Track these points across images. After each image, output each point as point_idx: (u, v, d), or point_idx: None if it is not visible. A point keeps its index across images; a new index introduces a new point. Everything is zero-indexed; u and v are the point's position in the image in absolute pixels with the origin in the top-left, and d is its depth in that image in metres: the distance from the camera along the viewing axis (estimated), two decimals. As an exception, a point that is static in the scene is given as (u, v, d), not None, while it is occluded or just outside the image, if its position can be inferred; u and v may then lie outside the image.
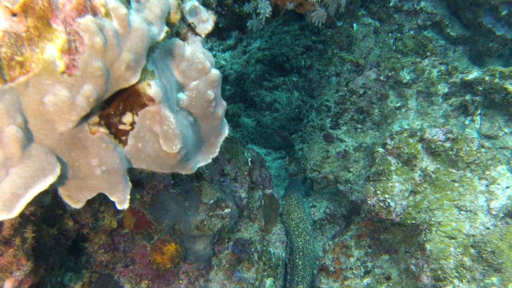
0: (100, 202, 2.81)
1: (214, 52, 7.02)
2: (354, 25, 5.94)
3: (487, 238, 3.61)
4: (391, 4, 5.97)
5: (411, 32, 5.90)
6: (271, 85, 6.15)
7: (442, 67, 4.99)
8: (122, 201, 1.64)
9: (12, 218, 1.62)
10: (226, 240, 3.44)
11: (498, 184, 3.83)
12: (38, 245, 2.11)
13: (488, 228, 3.69)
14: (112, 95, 1.58)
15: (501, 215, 3.71)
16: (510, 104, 4.52)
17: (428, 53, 5.61)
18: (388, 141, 4.24)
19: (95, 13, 1.45)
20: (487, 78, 4.54)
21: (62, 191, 1.60)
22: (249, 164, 3.79)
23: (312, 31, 6.12)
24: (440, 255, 3.70)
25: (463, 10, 5.86)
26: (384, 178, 4.13)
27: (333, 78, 5.73)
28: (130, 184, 1.68)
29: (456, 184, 3.94)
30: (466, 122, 4.73)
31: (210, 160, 1.96)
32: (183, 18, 1.88)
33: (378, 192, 4.10)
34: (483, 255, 3.57)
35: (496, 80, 4.49)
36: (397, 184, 4.08)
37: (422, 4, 5.93)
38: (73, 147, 1.52)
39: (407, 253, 4.07)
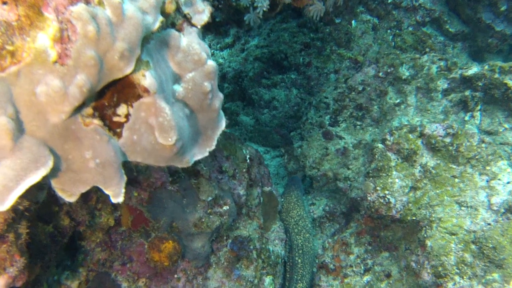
0: (97, 199, 2.77)
1: (212, 51, 6.99)
2: (353, 22, 5.92)
3: (488, 234, 3.58)
4: (389, 1, 5.95)
5: (410, 28, 5.88)
6: (269, 83, 6.11)
7: (442, 63, 4.95)
8: (117, 195, 1.60)
9: (5, 212, 1.59)
10: (225, 237, 3.41)
11: (499, 179, 3.80)
12: (34, 242, 2.07)
13: (489, 224, 3.66)
14: (106, 86, 1.54)
15: (502, 210, 3.68)
16: (510, 100, 4.49)
17: (427, 49, 5.58)
18: (388, 136, 4.20)
19: (87, 1, 1.42)
20: (487, 74, 4.51)
21: (55, 184, 1.57)
22: (248, 161, 3.76)
23: (310, 29, 6.10)
24: (440, 251, 3.67)
25: (462, 6, 5.84)
26: (383, 174, 4.10)
27: (331, 75, 5.71)
28: (125, 178, 1.64)
29: (456, 180, 3.91)
30: (466, 118, 4.70)
31: (207, 153, 1.93)
32: (178, 9, 1.85)
33: (378, 188, 4.07)
34: (484, 251, 3.54)
35: (496, 75, 4.46)
36: (397, 180, 4.05)
37: (421, 0, 5.91)
38: (66, 139, 1.49)
39: (408, 250, 4.04)
